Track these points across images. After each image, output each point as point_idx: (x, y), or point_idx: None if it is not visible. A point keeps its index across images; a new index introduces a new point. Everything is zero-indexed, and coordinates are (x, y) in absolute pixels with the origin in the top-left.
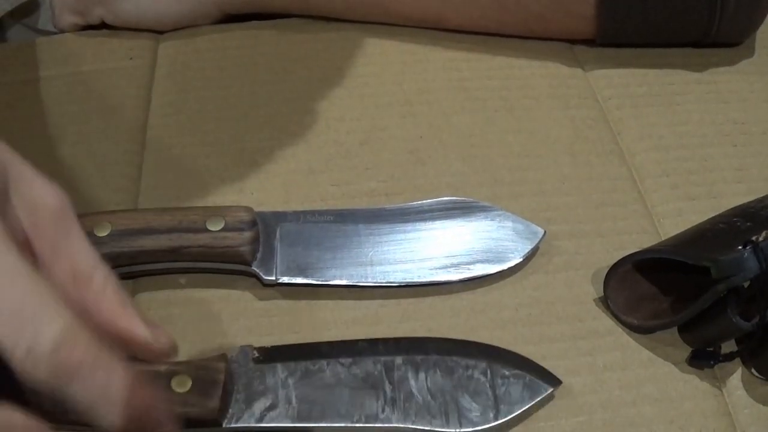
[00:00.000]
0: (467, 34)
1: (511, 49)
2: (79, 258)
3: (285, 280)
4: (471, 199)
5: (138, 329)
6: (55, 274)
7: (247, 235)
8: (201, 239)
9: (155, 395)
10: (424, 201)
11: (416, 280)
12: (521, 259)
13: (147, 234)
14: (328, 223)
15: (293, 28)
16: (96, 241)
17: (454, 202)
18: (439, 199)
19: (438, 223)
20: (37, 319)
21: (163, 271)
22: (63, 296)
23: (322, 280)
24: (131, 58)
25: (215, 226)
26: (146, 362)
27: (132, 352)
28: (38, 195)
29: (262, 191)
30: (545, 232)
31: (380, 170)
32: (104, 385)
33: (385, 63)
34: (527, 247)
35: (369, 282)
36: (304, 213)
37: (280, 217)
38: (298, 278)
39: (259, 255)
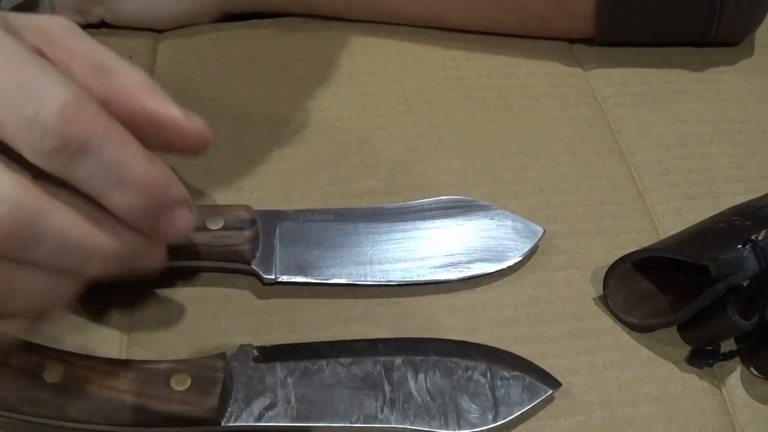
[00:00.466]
0: (466, 33)
1: (511, 48)
2: (98, 53)
3: (284, 278)
4: (470, 198)
5: (169, 109)
6: (74, 73)
7: (247, 233)
8: (200, 238)
9: (172, 174)
10: (424, 200)
11: (415, 278)
12: (520, 258)
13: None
14: (328, 222)
15: (292, 27)
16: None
17: (454, 201)
18: (439, 198)
19: (437, 222)
20: (41, 88)
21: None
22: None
23: (321, 279)
24: (131, 57)
25: (215, 224)
26: (148, 361)
27: (164, 143)
28: (44, 20)
29: (262, 190)
30: (545, 231)
31: (379, 169)
32: (118, 159)
33: (384, 62)
34: (527, 246)
35: (368, 281)
36: (304, 212)
37: (279, 215)
38: (297, 277)
39: (258, 254)
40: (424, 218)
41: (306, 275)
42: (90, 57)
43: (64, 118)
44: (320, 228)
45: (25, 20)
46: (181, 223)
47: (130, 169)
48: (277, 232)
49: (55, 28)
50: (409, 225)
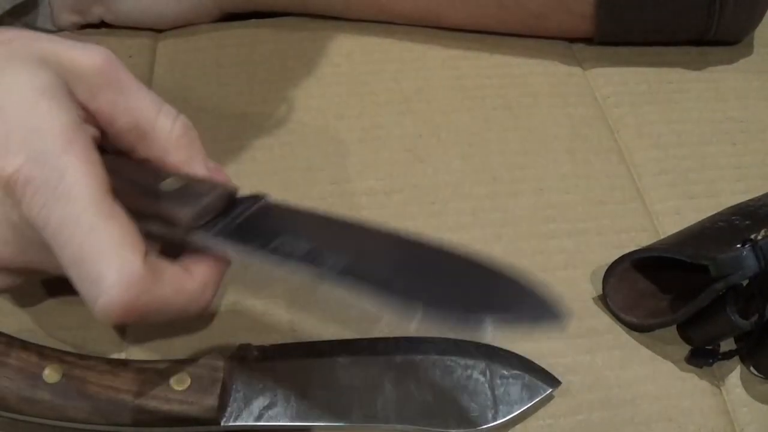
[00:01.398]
0: (466, 33)
1: (510, 47)
2: (139, 108)
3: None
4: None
5: (199, 171)
6: (118, 133)
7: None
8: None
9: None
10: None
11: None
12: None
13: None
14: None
15: (292, 26)
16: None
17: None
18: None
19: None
20: (98, 277)
21: None
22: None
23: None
24: (130, 56)
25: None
26: (148, 361)
27: None
28: (79, 63)
29: (261, 189)
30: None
31: (379, 168)
32: (181, 310)
33: (383, 61)
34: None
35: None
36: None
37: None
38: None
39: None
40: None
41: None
42: (131, 113)
43: (117, 313)
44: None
45: (69, 66)
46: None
47: (187, 311)
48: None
49: (93, 70)
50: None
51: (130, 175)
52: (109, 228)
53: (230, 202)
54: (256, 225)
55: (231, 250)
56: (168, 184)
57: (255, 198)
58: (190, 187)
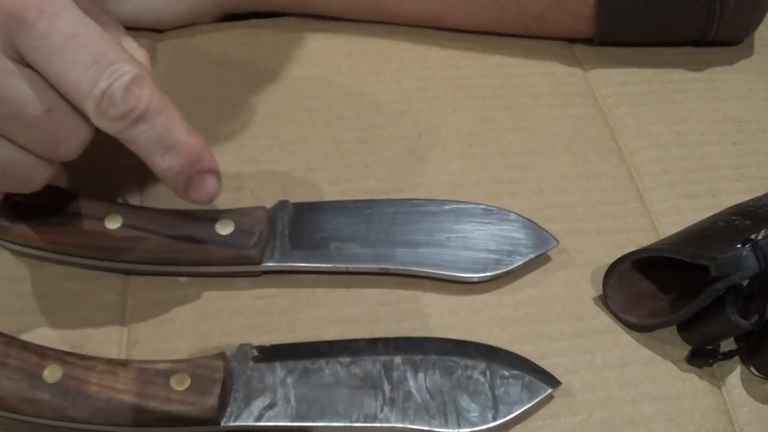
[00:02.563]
0: (466, 33)
1: (510, 47)
2: (107, 23)
3: (291, 264)
4: (496, 207)
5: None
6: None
7: (256, 237)
8: (209, 243)
9: (207, 146)
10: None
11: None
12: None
13: (156, 234)
14: (354, 209)
15: (292, 26)
16: (105, 232)
17: (476, 205)
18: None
19: (461, 222)
20: (117, 63)
21: (162, 273)
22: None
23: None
24: None
25: (224, 229)
26: (148, 361)
27: None
28: None
29: (262, 190)
30: (558, 242)
31: (379, 168)
32: (165, 128)
33: (383, 61)
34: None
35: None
36: (333, 203)
37: (307, 207)
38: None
39: (269, 253)
40: (449, 215)
41: (316, 259)
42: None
43: (131, 93)
44: (344, 215)
45: None
46: (209, 188)
47: (174, 136)
48: (297, 222)
49: None
50: (433, 220)
51: (184, 228)
52: (108, 31)
53: (271, 219)
54: (300, 231)
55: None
56: (222, 227)
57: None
58: (241, 224)
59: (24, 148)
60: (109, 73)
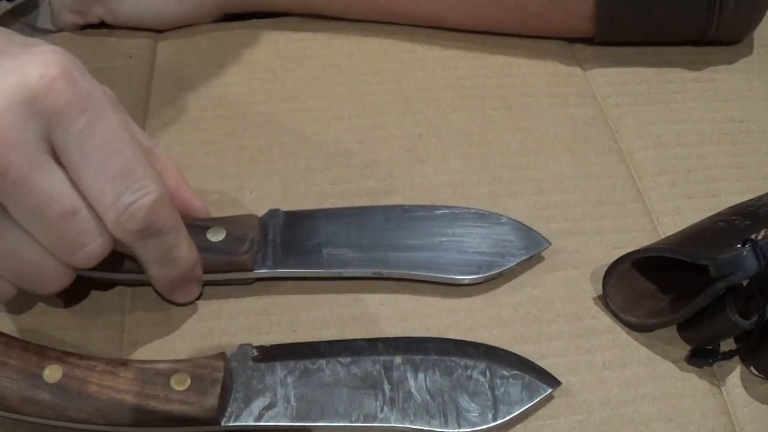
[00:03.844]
0: (466, 33)
1: (510, 47)
2: (141, 134)
3: (283, 271)
4: (484, 210)
5: (198, 202)
6: None
7: (248, 244)
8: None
9: (198, 256)
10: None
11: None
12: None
13: None
14: (344, 217)
15: (292, 26)
16: None
17: (467, 209)
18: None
19: (453, 226)
20: (144, 180)
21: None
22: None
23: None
24: (130, 57)
25: (216, 237)
26: (148, 361)
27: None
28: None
29: (261, 189)
30: (550, 243)
31: (379, 169)
32: (172, 245)
33: (383, 61)
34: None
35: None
36: (324, 210)
37: (297, 215)
38: (296, 269)
39: (260, 259)
40: (439, 220)
41: (309, 265)
42: (138, 137)
43: (152, 212)
44: (335, 222)
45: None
46: (192, 294)
47: (177, 252)
48: (289, 229)
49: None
50: (425, 225)
51: None
52: (140, 142)
53: (263, 227)
54: (292, 238)
55: (294, 270)
56: (213, 234)
57: (272, 213)
58: (232, 231)
59: (43, 247)
60: (135, 188)
